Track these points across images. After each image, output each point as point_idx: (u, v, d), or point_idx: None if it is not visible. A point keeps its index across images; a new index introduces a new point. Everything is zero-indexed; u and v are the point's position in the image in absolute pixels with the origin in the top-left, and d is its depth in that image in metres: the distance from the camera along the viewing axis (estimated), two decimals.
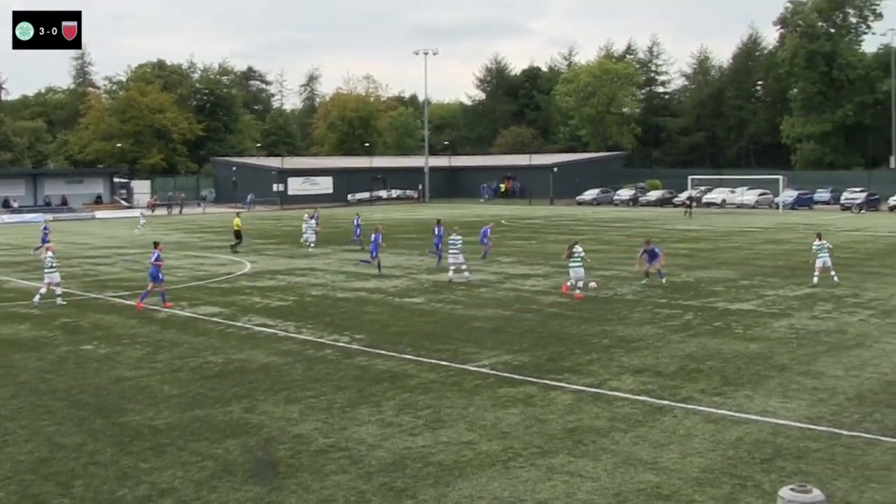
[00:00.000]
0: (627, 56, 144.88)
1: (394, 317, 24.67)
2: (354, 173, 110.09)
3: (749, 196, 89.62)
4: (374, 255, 35.32)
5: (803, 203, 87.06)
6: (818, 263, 29.87)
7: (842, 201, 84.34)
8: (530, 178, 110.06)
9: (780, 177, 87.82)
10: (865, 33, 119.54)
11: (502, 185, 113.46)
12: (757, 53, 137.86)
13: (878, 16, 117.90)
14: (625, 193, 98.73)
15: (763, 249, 43.31)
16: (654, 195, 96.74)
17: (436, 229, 39.36)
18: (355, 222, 47.91)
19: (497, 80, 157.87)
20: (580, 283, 27.74)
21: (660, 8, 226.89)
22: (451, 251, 32.32)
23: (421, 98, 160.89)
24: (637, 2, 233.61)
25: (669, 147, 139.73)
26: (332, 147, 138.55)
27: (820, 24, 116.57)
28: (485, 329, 22.61)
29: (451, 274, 31.88)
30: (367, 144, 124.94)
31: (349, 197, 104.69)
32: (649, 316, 24.19)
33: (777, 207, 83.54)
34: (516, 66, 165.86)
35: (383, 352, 20.03)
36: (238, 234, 46.68)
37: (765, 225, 62.19)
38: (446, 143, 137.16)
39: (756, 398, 15.70)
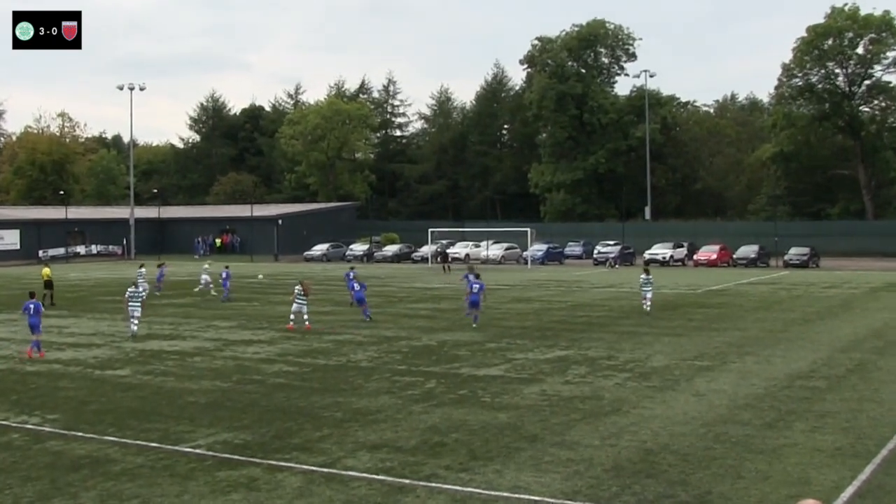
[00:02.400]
0: (361, 95, 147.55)
1: (94, 392, 23.74)
2: (47, 226, 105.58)
3: (495, 250, 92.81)
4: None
5: (554, 257, 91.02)
6: (644, 295, 41.80)
7: (594, 255, 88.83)
8: (252, 231, 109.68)
9: (529, 229, 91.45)
10: (618, 74, 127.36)
11: (218, 240, 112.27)
12: (503, 94, 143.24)
13: (632, 56, 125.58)
14: (358, 248, 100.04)
15: (511, 309, 44.77)
16: (390, 249, 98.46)
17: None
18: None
19: (214, 121, 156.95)
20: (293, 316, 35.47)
21: (396, 42, 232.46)
22: (132, 304, 35.03)
23: (126, 139, 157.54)
24: (370, 35, 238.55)
25: (407, 196, 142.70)
26: (19, 195, 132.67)
27: (570, 63, 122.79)
28: (200, 404, 22.12)
29: (133, 328, 34.87)
30: (62, 193, 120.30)
31: (41, 254, 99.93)
32: (387, 385, 24.41)
33: (525, 262, 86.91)
34: (236, 105, 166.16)
35: (81, 434, 19.17)
36: (48, 285, 49.25)
37: (512, 281, 64.34)
38: (155, 191, 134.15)
39: (506, 473, 16.02)
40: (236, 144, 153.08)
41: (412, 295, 54.06)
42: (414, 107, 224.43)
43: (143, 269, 51.44)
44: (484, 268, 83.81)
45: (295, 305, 37.24)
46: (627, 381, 24.84)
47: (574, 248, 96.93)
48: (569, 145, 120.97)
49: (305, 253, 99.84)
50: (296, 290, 37.57)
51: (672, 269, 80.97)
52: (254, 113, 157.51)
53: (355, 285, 42.26)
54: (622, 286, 59.45)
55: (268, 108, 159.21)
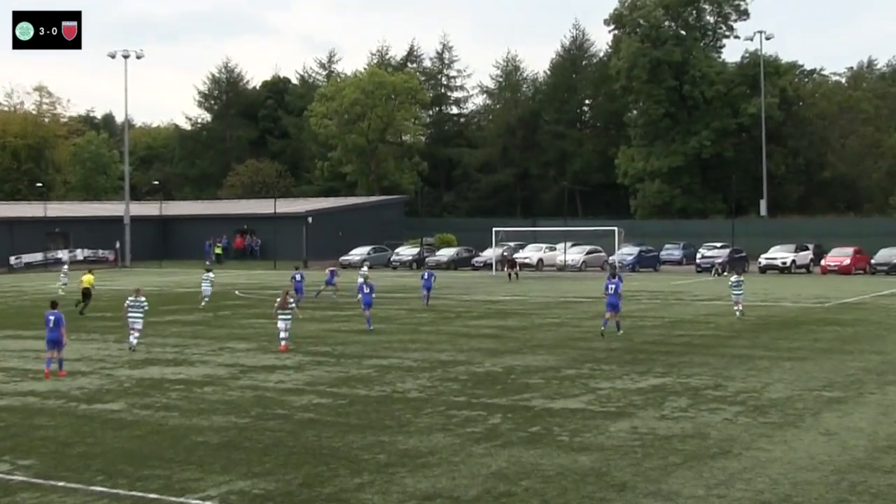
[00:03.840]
0: (409, 64, 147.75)
1: (78, 432, 23.87)
2: (21, 226, 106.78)
3: (574, 255, 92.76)
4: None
5: (647, 263, 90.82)
6: (734, 299, 47.41)
7: (698, 260, 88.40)
8: (276, 232, 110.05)
9: (616, 228, 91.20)
10: (727, 37, 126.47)
11: (218, 247, 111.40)
12: (584, 63, 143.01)
13: (743, 14, 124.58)
14: (406, 251, 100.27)
15: (593, 326, 44.40)
16: (446, 254, 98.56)
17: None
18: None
19: (228, 96, 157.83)
20: (283, 334, 37.46)
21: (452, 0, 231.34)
22: (132, 314, 37.55)
23: (119, 119, 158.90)
24: None
25: (466, 189, 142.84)
26: None
27: (667, 23, 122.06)
28: (211, 445, 22.20)
29: (133, 340, 37.49)
30: (39, 185, 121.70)
31: (12, 260, 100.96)
32: (441, 420, 24.40)
33: (602, 267, 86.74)
34: (255, 77, 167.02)
35: (63, 483, 19.28)
36: (86, 294, 52.87)
37: (596, 293, 64.16)
38: (156, 182, 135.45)
39: None
40: (256, 125, 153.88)
41: (472, 309, 54.19)
42: (474, 78, 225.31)
43: (299, 273, 59.84)
44: (561, 276, 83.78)
45: (280, 323, 38.19)
46: (739, 415, 24.65)
47: (672, 252, 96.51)
48: (665, 125, 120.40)
49: (342, 258, 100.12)
50: (276, 303, 39.31)
51: (794, 278, 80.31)
52: (278, 86, 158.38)
53: (364, 288, 45.47)
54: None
55: (295, 81, 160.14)
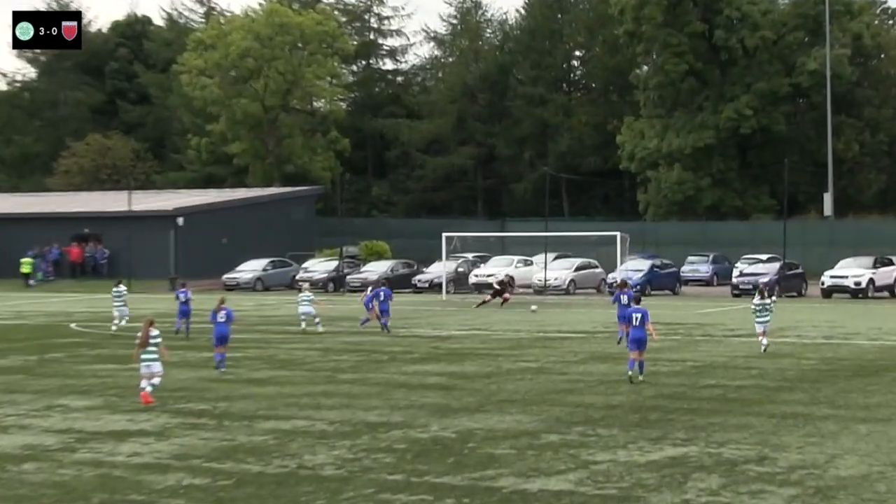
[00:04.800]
0: None
1: None
2: None
3: (559, 271, 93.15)
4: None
5: (663, 282, 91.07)
6: (758, 328, 50.11)
7: (734, 279, 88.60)
8: (131, 239, 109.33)
9: (619, 234, 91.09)
10: None
11: (26, 262, 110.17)
12: None
13: None
14: (319, 268, 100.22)
15: (586, 373, 44.84)
16: (376, 269, 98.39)
17: None
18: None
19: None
20: (155, 381, 37.97)
21: None
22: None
23: None
24: None
25: (406, 177, 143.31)
26: None
27: None
28: None
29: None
30: None
31: None
32: None
33: (611, 291, 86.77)
34: (100, 16, 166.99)
35: None
36: None
37: (588, 326, 64.31)
38: None
39: None
40: (103, 85, 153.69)
41: (413, 349, 54.32)
42: (417, 19, 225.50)
43: (184, 291, 62.66)
44: (539, 300, 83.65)
45: (143, 367, 38.50)
46: (793, 501, 24.72)
47: (697, 267, 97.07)
48: (689, 87, 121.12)
49: (227, 276, 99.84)
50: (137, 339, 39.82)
51: (872, 304, 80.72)
52: (134, 29, 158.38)
53: (381, 293, 58.54)
54: (785, 333, 59.26)
55: (159, 22, 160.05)
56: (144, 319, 41.48)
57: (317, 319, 62.48)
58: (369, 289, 63.15)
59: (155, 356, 38.40)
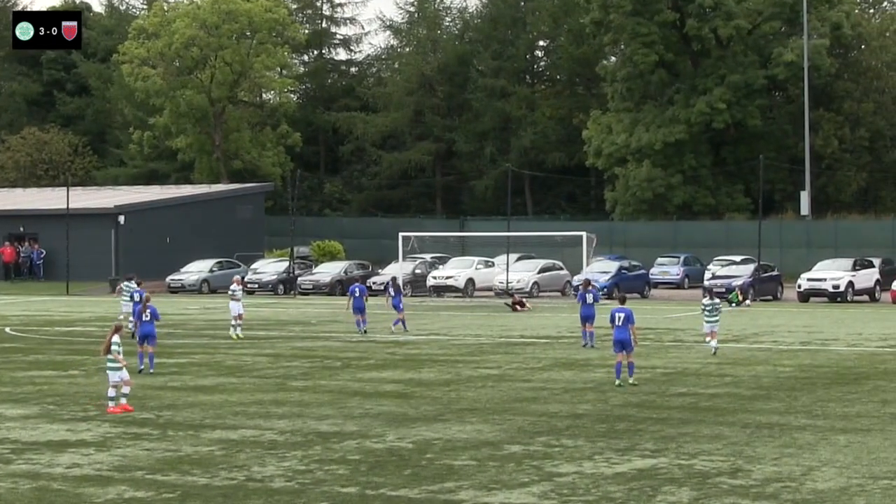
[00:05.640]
0: None
1: None
2: None
3: (522, 272, 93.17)
4: None
5: (631, 285, 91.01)
6: (706, 328, 50.99)
7: (706, 282, 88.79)
8: (69, 238, 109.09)
9: (585, 234, 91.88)
10: None
11: None
12: None
13: None
14: (268, 269, 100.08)
15: (550, 381, 44.89)
16: (328, 271, 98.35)
17: None
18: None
19: None
20: (125, 390, 37.97)
21: None
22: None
23: None
24: None
25: (360, 173, 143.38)
26: None
27: None
28: None
29: None
30: None
31: None
32: None
33: (576, 294, 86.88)
34: (36, 3, 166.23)
35: None
36: None
37: (552, 331, 64.43)
38: None
39: None
40: (39, 75, 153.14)
41: (368, 355, 54.43)
42: (371, 7, 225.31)
43: (138, 291, 56.80)
44: (497, 305, 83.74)
45: (111, 374, 38.43)
46: None
47: (668, 269, 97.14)
48: (659, 79, 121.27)
49: (171, 277, 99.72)
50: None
51: (852, 308, 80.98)
52: (70, 17, 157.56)
53: (391, 290, 64.60)
54: (758, 339, 59.42)
55: (98, 8, 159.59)
56: (114, 322, 41.59)
57: (239, 321, 62.76)
58: (391, 289, 66.31)
59: (118, 364, 38.29)
